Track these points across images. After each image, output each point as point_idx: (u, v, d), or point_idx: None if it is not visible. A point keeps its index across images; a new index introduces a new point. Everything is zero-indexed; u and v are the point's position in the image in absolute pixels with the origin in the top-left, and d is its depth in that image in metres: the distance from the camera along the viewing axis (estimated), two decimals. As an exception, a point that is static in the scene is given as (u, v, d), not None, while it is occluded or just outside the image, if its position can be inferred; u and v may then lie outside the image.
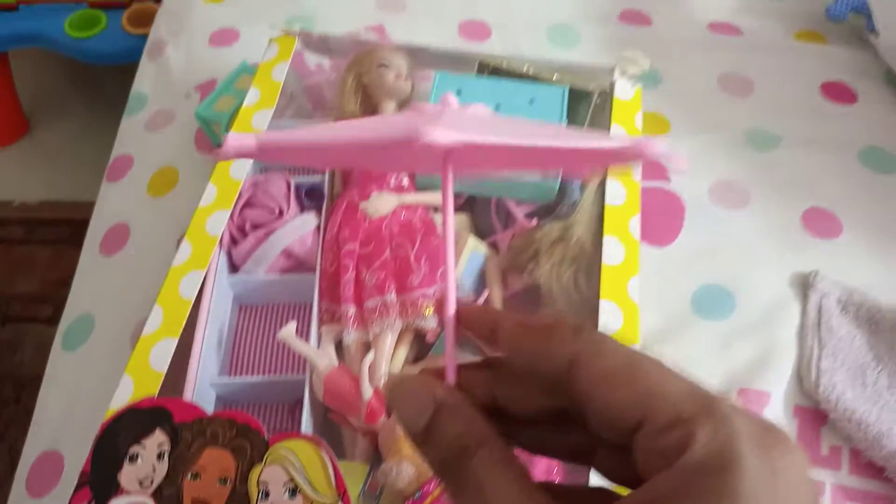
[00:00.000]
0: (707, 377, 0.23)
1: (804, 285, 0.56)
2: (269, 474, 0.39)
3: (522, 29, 0.77)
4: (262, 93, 0.59)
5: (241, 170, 0.54)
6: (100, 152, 0.76)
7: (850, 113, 0.70)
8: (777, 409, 0.50)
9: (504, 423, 0.22)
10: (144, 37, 0.83)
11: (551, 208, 0.55)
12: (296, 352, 0.49)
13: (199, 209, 0.52)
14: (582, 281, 0.51)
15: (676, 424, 0.18)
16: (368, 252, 0.52)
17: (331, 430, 0.48)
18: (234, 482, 0.39)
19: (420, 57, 0.62)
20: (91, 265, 0.61)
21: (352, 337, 0.49)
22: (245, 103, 0.59)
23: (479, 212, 0.57)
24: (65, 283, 0.60)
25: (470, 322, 0.23)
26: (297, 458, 0.40)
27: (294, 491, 0.39)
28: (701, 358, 0.52)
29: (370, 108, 0.60)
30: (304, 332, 0.51)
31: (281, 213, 0.55)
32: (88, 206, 0.66)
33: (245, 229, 0.54)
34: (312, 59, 0.66)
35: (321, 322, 0.51)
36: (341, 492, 0.39)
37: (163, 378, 0.43)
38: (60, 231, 1.32)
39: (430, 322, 0.49)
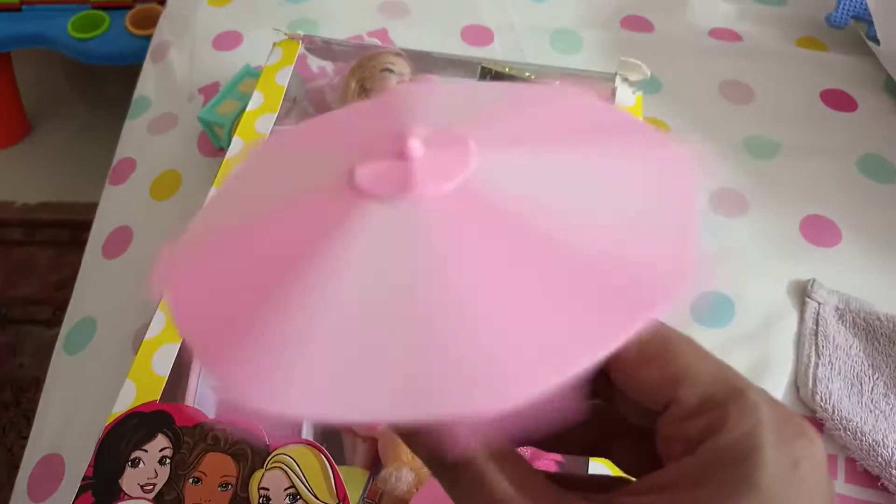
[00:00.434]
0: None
1: (802, 293, 0.56)
2: (269, 480, 0.40)
3: (525, 34, 0.78)
4: (265, 97, 0.60)
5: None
6: (101, 154, 0.76)
7: (850, 121, 0.70)
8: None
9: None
10: (147, 38, 0.83)
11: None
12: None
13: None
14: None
15: (704, 410, 0.18)
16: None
17: (331, 436, 0.48)
18: (235, 487, 0.39)
19: (423, 62, 0.62)
20: (93, 268, 0.61)
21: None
22: (248, 107, 0.59)
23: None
24: (65, 286, 0.61)
25: None
26: (298, 464, 0.40)
27: (295, 497, 0.39)
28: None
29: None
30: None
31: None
32: (89, 208, 0.67)
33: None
34: (316, 64, 0.66)
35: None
36: (341, 498, 0.39)
37: (165, 383, 0.44)
38: (61, 233, 1.32)
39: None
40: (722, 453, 0.17)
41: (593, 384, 0.21)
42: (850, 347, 0.53)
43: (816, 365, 0.52)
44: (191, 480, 0.40)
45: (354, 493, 0.41)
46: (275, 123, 0.58)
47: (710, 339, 0.54)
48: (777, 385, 0.52)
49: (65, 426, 0.52)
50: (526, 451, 0.35)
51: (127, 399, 0.43)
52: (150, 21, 0.91)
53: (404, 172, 0.20)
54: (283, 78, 0.61)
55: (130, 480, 0.40)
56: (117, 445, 0.41)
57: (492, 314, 0.17)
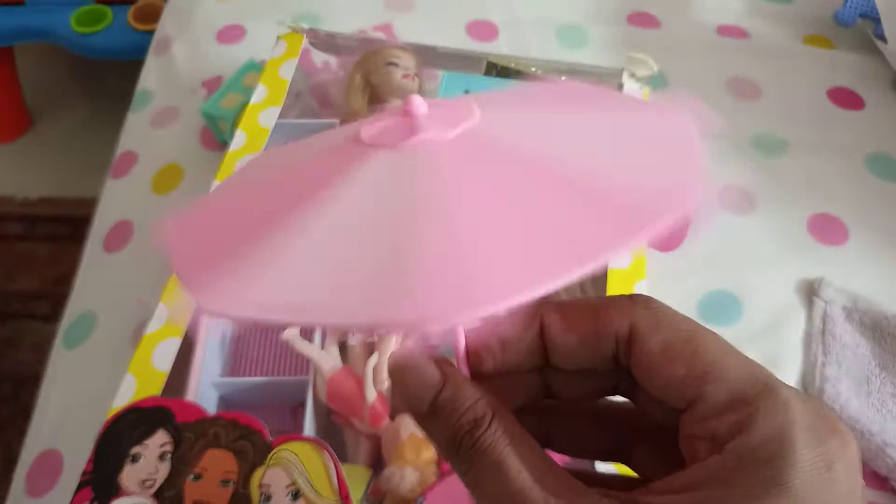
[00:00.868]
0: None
1: (809, 292, 0.56)
2: (271, 477, 0.39)
3: (531, 29, 0.77)
4: (269, 90, 0.59)
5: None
6: (103, 149, 0.76)
7: (858, 119, 0.69)
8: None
9: (542, 421, 0.20)
10: (150, 33, 0.83)
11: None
12: (299, 353, 0.49)
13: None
14: (588, 285, 0.50)
15: (733, 407, 0.17)
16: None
17: (333, 433, 0.47)
18: (236, 484, 0.39)
19: (428, 57, 0.62)
20: (94, 262, 0.61)
21: (356, 338, 0.49)
22: (252, 101, 0.58)
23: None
24: (64, 281, 0.60)
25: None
26: (300, 461, 0.40)
27: (296, 494, 0.39)
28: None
29: (377, 106, 0.60)
30: (308, 333, 0.50)
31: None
32: (90, 203, 0.66)
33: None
34: (320, 58, 0.66)
35: (325, 323, 0.51)
36: (344, 495, 0.39)
37: (166, 378, 0.43)
38: (61, 228, 1.32)
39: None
40: (751, 452, 0.17)
41: (617, 384, 0.20)
42: (858, 347, 0.53)
43: (824, 364, 0.52)
44: (191, 477, 0.39)
45: (357, 491, 0.41)
46: (279, 117, 0.57)
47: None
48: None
49: (64, 421, 0.52)
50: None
51: (127, 394, 0.42)
52: (153, 16, 0.90)
53: (408, 124, 0.20)
54: (287, 72, 0.60)
55: (130, 476, 0.39)
56: (117, 440, 0.40)
57: (479, 227, 0.17)
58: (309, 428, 0.46)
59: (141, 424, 0.41)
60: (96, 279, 0.60)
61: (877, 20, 0.74)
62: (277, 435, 0.41)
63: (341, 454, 0.42)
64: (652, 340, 0.19)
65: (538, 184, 0.18)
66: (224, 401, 0.50)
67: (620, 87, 0.59)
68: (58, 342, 0.57)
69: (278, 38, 0.64)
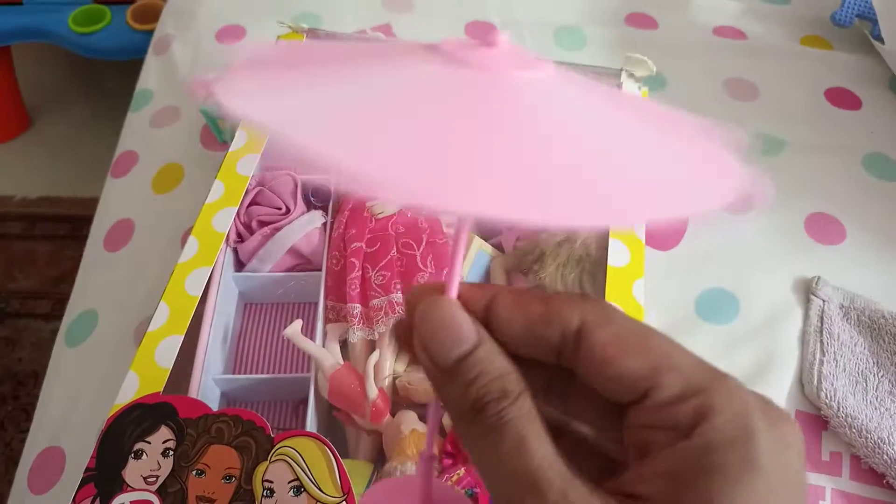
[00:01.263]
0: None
1: (806, 290, 0.56)
2: (273, 472, 0.39)
3: (529, 30, 0.77)
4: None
5: (249, 167, 0.54)
6: (101, 148, 0.76)
7: (855, 119, 0.70)
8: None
9: None
10: (148, 33, 0.83)
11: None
12: (301, 350, 0.49)
13: (206, 205, 0.52)
14: (587, 283, 0.51)
15: (689, 395, 0.18)
16: (374, 251, 0.52)
17: (335, 429, 0.48)
18: (238, 480, 0.39)
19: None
20: (95, 261, 0.61)
21: (357, 335, 0.49)
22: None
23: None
24: (64, 280, 0.60)
25: (467, 297, 0.21)
26: (302, 457, 0.40)
27: (299, 489, 0.39)
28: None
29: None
30: (309, 331, 0.51)
31: (288, 210, 0.55)
32: (89, 202, 0.66)
33: (251, 227, 0.54)
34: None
35: (326, 320, 0.51)
36: (346, 490, 0.39)
37: (168, 374, 0.43)
38: (60, 227, 1.32)
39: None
40: (720, 434, 0.17)
41: (551, 382, 0.21)
42: (855, 345, 0.53)
43: (821, 362, 0.52)
44: (194, 472, 0.39)
45: (359, 487, 0.41)
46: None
47: (714, 336, 0.54)
48: (782, 382, 0.52)
49: (65, 419, 0.52)
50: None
51: (130, 391, 0.43)
52: (152, 16, 0.91)
53: (490, 54, 0.20)
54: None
55: (133, 472, 0.39)
56: (120, 437, 0.40)
57: (554, 148, 0.17)
58: (311, 424, 0.46)
59: (144, 421, 0.41)
60: (97, 278, 0.60)
61: (874, 21, 0.74)
62: (280, 431, 0.41)
63: (343, 450, 0.42)
64: (604, 332, 0.19)
65: (605, 143, 0.19)
66: (226, 397, 0.50)
67: (619, 87, 0.60)
68: (59, 340, 0.57)
69: (278, 37, 0.64)
